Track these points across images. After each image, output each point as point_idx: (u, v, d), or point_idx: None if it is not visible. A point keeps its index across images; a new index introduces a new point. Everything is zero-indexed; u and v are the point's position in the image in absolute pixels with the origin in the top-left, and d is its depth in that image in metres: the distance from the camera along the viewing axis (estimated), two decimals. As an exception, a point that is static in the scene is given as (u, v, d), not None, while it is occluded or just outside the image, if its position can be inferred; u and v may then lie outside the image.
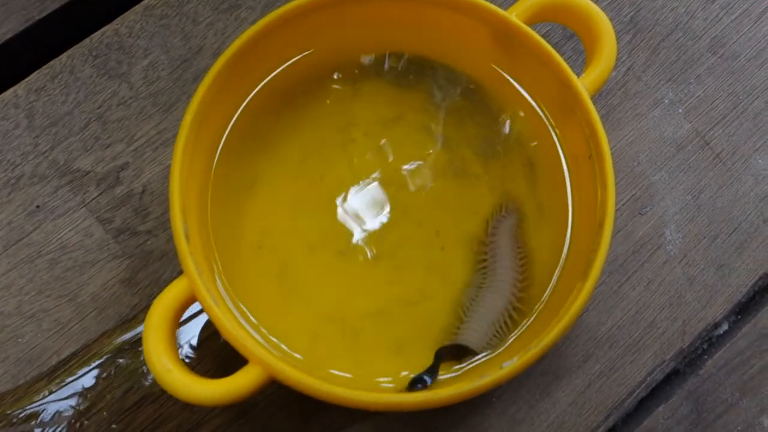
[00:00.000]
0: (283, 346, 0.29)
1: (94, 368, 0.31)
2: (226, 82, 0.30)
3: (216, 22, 0.36)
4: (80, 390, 0.31)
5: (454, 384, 0.26)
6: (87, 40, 0.36)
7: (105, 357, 0.31)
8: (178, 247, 0.27)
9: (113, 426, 0.30)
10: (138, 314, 0.32)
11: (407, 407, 0.26)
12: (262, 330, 0.29)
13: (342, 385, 0.26)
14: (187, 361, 0.31)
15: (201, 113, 0.29)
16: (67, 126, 0.34)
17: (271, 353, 0.27)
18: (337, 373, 0.29)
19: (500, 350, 0.29)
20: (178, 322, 0.27)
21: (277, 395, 0.31)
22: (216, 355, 0.31)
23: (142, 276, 0.33)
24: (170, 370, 0.25)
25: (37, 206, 0.33)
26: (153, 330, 0.26)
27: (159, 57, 0.36)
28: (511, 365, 0.26)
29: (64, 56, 0.35)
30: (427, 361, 0.29)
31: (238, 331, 0.26)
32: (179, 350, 0.31)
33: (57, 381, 0.31)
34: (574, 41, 0.37)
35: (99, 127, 0.34)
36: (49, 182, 0.34)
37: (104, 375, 0.31)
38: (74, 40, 0.36)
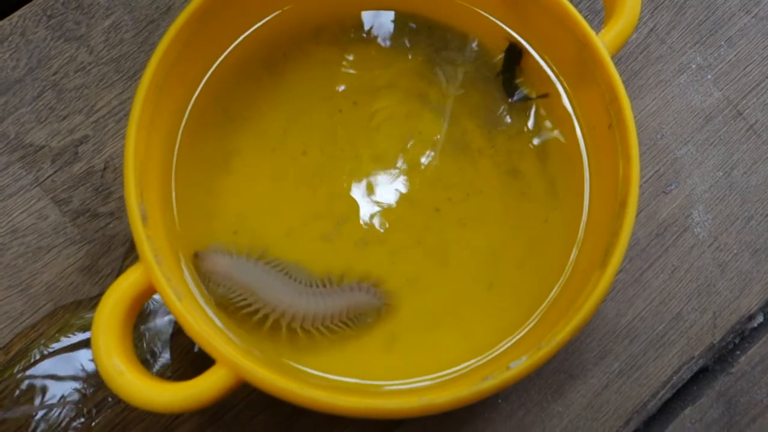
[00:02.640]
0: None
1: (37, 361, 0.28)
2: (191, 40, 0.28)
3: (187, -22, 0.34)
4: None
5: (453, 387, 0.24)
6: (40, -1, 0.34)
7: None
8: (134, 231, 0.25)
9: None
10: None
11: (399, 414, 0.24)
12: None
13: (325, 388, 0.24)
14: (160, 357, 0.30)
15: (161, 76, 0.27)
16: (18, 95, 0.33)
17: (243, 352, 0.25)
18: (320, 374, 0.27)
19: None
20: (134, 316, 0.25)
21: (255, 396, 0.29)
22: (187, 352, 0.30)
23: (103, 263, 0.31)
24: (122, 373, 0.24)
25: (-16, 185, 0.32)
26: (103, 325, 0.24)
27: (122, 17, 0.34)
28: (519, 365, 0.24)
29: (14, 16, 0.34)
30: (422, 359, 0.28)
31: (203, 327, 0.24)
32: (163, 338, 0.29)
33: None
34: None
35: (54, 97, 0.33)
36: (-2, 158, 0.32)
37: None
38: (26, -1, 0.34)
